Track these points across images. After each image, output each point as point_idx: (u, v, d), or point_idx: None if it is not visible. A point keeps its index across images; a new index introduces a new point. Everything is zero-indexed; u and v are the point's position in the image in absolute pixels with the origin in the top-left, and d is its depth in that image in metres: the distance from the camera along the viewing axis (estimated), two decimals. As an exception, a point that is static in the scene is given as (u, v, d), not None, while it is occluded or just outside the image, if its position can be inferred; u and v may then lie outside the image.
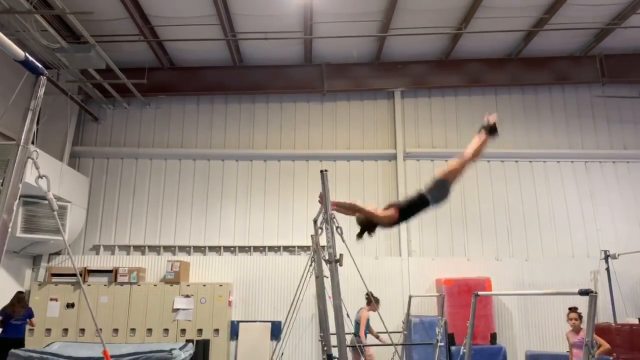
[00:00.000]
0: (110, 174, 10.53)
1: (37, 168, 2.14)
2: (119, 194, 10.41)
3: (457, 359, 7.98)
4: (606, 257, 9.49)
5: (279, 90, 10.86)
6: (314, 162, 10.50)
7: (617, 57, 10.50)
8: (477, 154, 4.35)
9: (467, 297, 7.73)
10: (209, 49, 10.02)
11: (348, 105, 10.99)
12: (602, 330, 8.42)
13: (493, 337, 9.00)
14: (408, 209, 4.34)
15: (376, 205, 4.40)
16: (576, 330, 6.26)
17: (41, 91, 2.14)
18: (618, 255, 9.41)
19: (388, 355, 8.98)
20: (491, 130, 4.34)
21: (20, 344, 7.81)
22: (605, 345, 6.04)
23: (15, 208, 2.03)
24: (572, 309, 6.36)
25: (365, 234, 4.33)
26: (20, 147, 2.06)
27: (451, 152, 10.50)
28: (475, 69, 10.76)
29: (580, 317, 6.29)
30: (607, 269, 9.45)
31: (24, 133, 2.10)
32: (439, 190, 4.23)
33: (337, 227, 4.31)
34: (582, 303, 9.12)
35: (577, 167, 10.60)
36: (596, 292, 3.60)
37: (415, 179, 10.47)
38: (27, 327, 8.24)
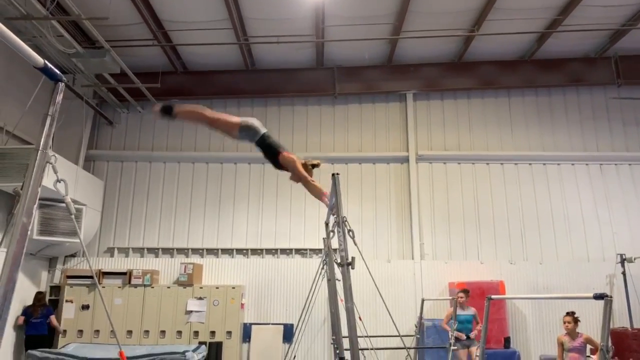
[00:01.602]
0: (124, 177, 10.65)
1: (55, 172, 2.18)
2: (133, 197, 10.53)
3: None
4: (622, 261, 9.35)
5: (291, 93, 10.91)
6: (326, 166, 10.47)
7: (632, 58, 10.38)
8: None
9: (480, 300, 7.69)
10: (221, 53, 10.10)
11: (360, 108, 10.99)
12: (618, 335, 8.33)
13: (507, 340, 8.93)
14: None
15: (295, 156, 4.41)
16: (571, 334, 6.18)
17: (59, 97, 2.18)
18: (634, 259, 9.28)
19: (401, 358, 8.96)
20: (165, 111, 4.18)
21: (43, 340, 8.14)
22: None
23: (34, 213, 2.07)
24: (569, 313, 6.30)
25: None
26: (39, 152, 2.10)
27: (464, 155, 10.52)
28: (488, 72, 10.71)
29: (575, 321, 6.22)
30: (623, 273, 9.31)
31: (42, 138, 2.14)
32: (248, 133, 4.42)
33: (349, 230, 4.32)
34: (597, 307, 8.98)
35: (592, 170, 10.48)
36: (611, 296, 3.56)
37: (427, 182, 10.45)
38: (52, 324, 8.65)
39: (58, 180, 2.23)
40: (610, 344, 3.63)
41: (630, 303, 9.19)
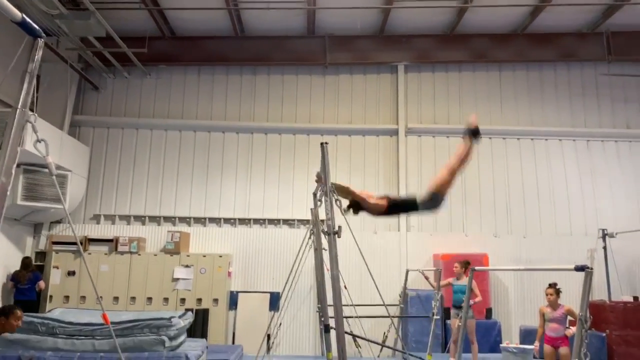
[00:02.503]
0: (110, 144, 10.51)
1: (35, 132, 2.14)
2: (120, 164, 10.42)
3: (451, 333, 8.10)
4: (604, 236, 9.53)
5: (281, 61, 10.74)
6: (315, 136, 10.46)
7: (624, 34, 10.33)
8: (463, 162, 4.28)
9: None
10: (210, 18, 9.87)
11: (350, 79, 10.89)
12: (597, 308, 8.55)
13: (488, 312, 9.14)
14: (397, 206, 4.34)
15: (373, 193, 4.35)
16: (552, 305, 6.33)
17: (39, 54, 2.11)
18: (616, 234, 9.46)
19: (385, 327, 9.13)
20: (474, 133, 4.27)
21: (32, 306, 8.18)
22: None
23: (13, 172, 2.03)
24: (551, 285, 6.43)
25: (352, 211, 4.26)
26: (18, 110, 2.04)
27: (453, 129, 10.51)
28: (480, 45, 10.61)
29: (557, 292, 6.35)
30: (604, 248, 9.50)
31: (21, 96, 2.08)
32: (431, 202, 4.22)
33: (336, 200, 4.34)
34: (578, 280, 9.19)
35: (579, 146, 10.56)
36: (592, 268, 3.62)
37: (416, 155, 10.46)
38: (40, 288, 8.72)
39: (38, 140, 2.18)
40: (588, 314, 3.71)
41: (610, 277, 9.41)
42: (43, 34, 2.11)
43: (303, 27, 10.35)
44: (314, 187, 6.36)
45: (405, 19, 10.03)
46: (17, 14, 1.95)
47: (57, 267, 9.20)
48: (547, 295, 6.44)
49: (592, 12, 9.81)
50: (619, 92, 10.77)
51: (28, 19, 2.01)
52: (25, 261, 8.80)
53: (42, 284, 8.77)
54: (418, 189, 10.24)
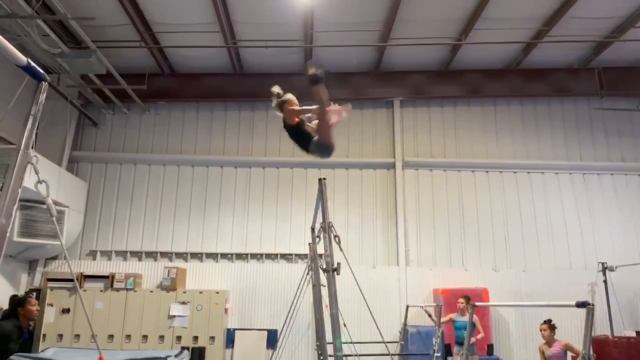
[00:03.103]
0: (108, 179, 10.52)
1: (36, 173, 2.14)
2: (117, 199, 10.40)
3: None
4: (604, 269, 9.48)
5: (279, 98, 10.87)
6: (313, 170, 10.51)
7: (615, 69, 10.55)
8: (322, 104, 4.47)
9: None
10: (209, 55, 10.06)
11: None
12: (600, 343, 8.41)
13: (490, 348, 8.97)
14: (299, 131, 4.83)
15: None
16: (549, 341, 6.24)
17: (42, 97, 2.14)
18: (616, 268, 9.41)
19: (384, 365, 8.95)
20: (312, 80, 4.38)
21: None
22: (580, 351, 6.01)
23: (14, 214, 2.03)
24: (545, 321, 6.36)
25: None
26: (20, 151, 2.06)
27: (450, 162, 10.60)
28: (474, 80, 10.81)
29: (552, 328, 6.28)
30: (605, 281, 9.43)
31: (24, 138, 2.10)
32: (319, 148, 4.81)
33: (335, 236, 4.33)
34: (579, 315, 9.08)
35: (575, 179, 10.62)
36: (593, 305, 3.59)
37: (413, 188, 10.49)
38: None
39: (39, 181, 2.19)
40: (592, 352, 3.66)
41: (611, 311, 9.31)
42: (47, 77, 2.15)
43: (300, 64, 10.53)
44: (311, 222, 6.35)
45: (400, 56, 10.24)
46: (23, 58, 1.99)
47: (52, 305, 9.04)
48: (541, 332, 6.36)
49: (583, 48, 10.04)
50: (612, 125, 10.92)
51: (33, 63, 2.05)
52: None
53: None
54: (417, 223, 10.26)
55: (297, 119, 4.58)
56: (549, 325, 6.30)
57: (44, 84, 2.13)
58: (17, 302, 4.97)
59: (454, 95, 10.91)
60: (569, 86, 10.77)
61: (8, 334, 4.75)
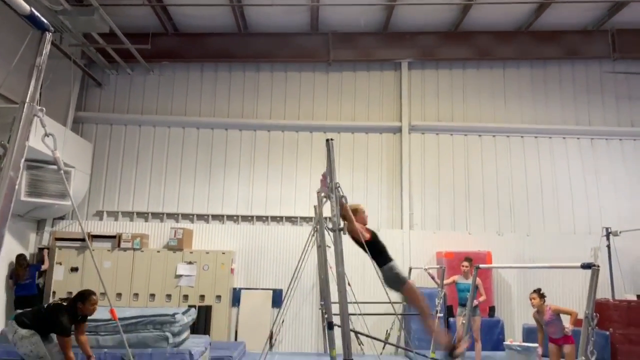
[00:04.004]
0: (113, 140, 10.50)
1: (43, 126, 2.13)
2: (123, 161, 10.41)
3: (455, 330, 8.09)
4: (607, 234, 9.50)
5: (284, 59, 10.72)
6: (318, 134, 10.45)
7: (629, 32, 10.28)
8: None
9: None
10: (213, 14, 9.85)
11: (354, 76, 10.86)
12: (600, 306, 8.51)
13: (492, 310, 9.11)
14: (374, 248, 4.58)
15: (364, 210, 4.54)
16: (540, 309, 6.30)
17: (47, 48, 2.10)
18: (620, 233, 9.43)
19: (387, 325, 9.13)
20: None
21: (33, 300, 8.26)
22: (575, 314, 6.09)
23: (22, 166, 2.02)
24: (535, 290, 6.40)
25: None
26: (26, 104, 2.03)
27: (457, 126, 10.51)
28: (484, 42, 10.57)
29: (541, 296, 6.32)
30: (608, 246, 9.47)
31: (29, 91, 2.07)
32: (390, 282, 4.60)
33: (341, 196, 4.32)
34: (581, 279, 9.15)
35: (583, 144, 10.52)
36: (598, 266, 3.61)
37: (419, 153, 10.44)
38: (45, 268, 9.08)
39: (46, 134, 2.17)
40: (594, 312, 3.70)
41: (613, 275, 9.38)
42: (51, 28, 2.10)
43: (306, 23, 10.33)
44: (317, 184, 6.34)
45: (409, 16, 10.00)
46: (26, 7, 1.94)
47: (61, 264, 9.21)
48: (530, 300, 6.41)
49: (597, 9, 9.76)
50: (623, 90, 10.73)
51: (36, 13, 2.00)
52: (19, 260, 8.65)
53: (45, 266, 9.02)
54: (421, 187, 10.26)
55: (368, 235, 4.46)
56: (539, 294, 6.35)
57: (48, 35, 2.08)
58: (77, 297, 5.12)
59: (463, 57, 10.71)
60: (581, 49, 10.53)
61: (70, 326, 4.96)
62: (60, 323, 4.92)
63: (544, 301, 6.33)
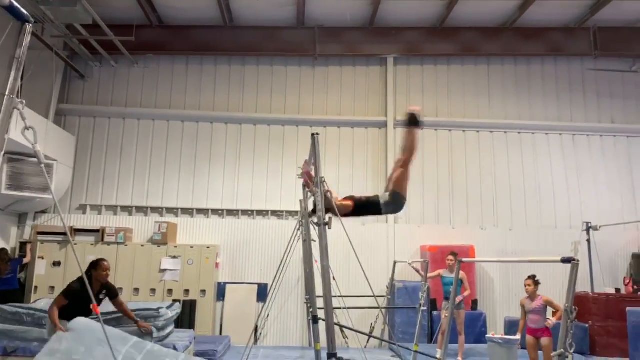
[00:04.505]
0: (97, 133, 10.38)
1: (23, 119, 2.10)
2: (106, 154, 10.30)
3: (438, 323, 8.19)
4: (588, 229, 9.68)
5: (270, 52, 10.68)
6: (304, 128, 10.44)
7: (610, 30, 10.44)
8: (412, 152, 4.36)
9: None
10: (199, 7, 9.76)
11: (340, 71, 10.86)
12: (580, 299, 8.69)
13: (474, 303, 9.24)
14: (362, 207, 4.44)
15: (336, 194, 4.47)
16: (531, 296, 6.43)
17: (27, 39, 2.07)
18: (599, 227, 9.60)
19: (371, 318, 9.21)
20: (413, 121, 4.29)
21: (15, 294, 8.13)
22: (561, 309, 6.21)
23: (1, 159, 2.00)
24: (530, 276, 6.53)
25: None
26: (6, 97, 2.00)
27: (441, 121, 10.57)
28: (469, 38, 10.65)
29: (536, 283, 6.46)
30: (588, 240, 9.65)
31: (9, 83, 2.04)
32: (393, 203, 4.33)
33: (327, 191, 4.33)
34: (562, 273, 9.28)
35: (564, 140, 10.68)
36: (578, 260, 3.67)
37: (404, 147, 10.48)
38: (27, 262, 9.02)
39: (26, 128, 2.14)
40: (573, 306, 3.77)
41: (593, 269, 9.57)
42: (31, 19, 2.07)
43: (293, 17, 10.29)
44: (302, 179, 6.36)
45: (395, 11, 10.02)
46: (5, -2, 1.91)
47: (42, 258, 9.10)
48: (525, 286, 6.54)
49: (579, 7, 9.89)
50: (604, 87, 10.91)
51: (16, 4, 1.97)
52: (1, 254, 8.33)
53: (27, 259, 8.96)
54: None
55: (351, 203, 4.36)
56: (534, 280, 6.47)
57: (28, 26, 2.05)
58: (90, 265, 5.37)
59: (448, 53, 10.77)
60: (563, 46, 10.67)
61: (77, 292, 5.01)
62: (67, 286, 5.20)
63: (538, 289, 6.45)
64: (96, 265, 5.36)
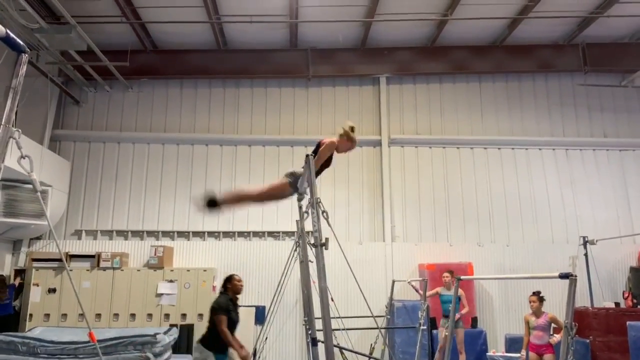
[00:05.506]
0: (92, 158, 10.37)
1: (19, 148, 2.10)
2: (101, 179, 10.28)
3: (438, 342, 8.11)
4: (585, 243, 9.69)
5: (264, 74, 10.77)
6: (299, 148, 10.47)
7: (599, 46, 10.62)
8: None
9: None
10: (192, 31, 9.87)
11: (333, 91, 10.96)
12: (580, 314, 8.64)
13: (474, 320, 9.17)
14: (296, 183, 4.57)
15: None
16: (536, 312, 6.41)
17: (23, 69, 2.09)
18: (596, 241, 9.62)
19: (371, 339, 9.10)
20: (210, 203, 4.32)
21: (9, 320, 8.11)
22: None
23: (-3, 188, 2.00)
24: (534, 293, 6.52)
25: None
26: (2, 126, 2.01)
27: (435, 139, 10.64)
28: (460, 56, 10.79)
29: (540, 300, 6.44)
30: (586, 255, 9.66)
31: (5, 113, 2.05)
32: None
33: (322, 212, 4.33)
34: (560, 288, 9.27)
35: (558, 155, 10.76)
36: (576, 276, 3.68)
37: (399, 165, 10.54)
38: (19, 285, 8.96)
39: (22, 157, 2.15)
40: (573, 321, 3.75)
41: (592, 283, 9.55)
42: (27, 49, 2.09)
43: (286, 40, 10.41)
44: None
45: (386, 32, 10.16)
46: (1, 29, 1.93)
47: (37, 285, 8.99)
48: (530, 303, 6.52)
49: (567, 24, 10.06)
50: (595, 101, 11.04)
51: (12, 34, 1.99)
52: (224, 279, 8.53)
53: (15, 281, 8.94)
54: (402, 199, 10.34)
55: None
56: (538, 297, 6.46)
57: (24, 56, 2.07)
58: (225, 280, 5.93)
59: (439, 72, 10.90)
60: (553, 62, 10.82)
61: (226, 306, 5.57)
62: (216, 302, 5.64)
63: (542, 305, 6.43)
64: (230, 278, 5.90)
